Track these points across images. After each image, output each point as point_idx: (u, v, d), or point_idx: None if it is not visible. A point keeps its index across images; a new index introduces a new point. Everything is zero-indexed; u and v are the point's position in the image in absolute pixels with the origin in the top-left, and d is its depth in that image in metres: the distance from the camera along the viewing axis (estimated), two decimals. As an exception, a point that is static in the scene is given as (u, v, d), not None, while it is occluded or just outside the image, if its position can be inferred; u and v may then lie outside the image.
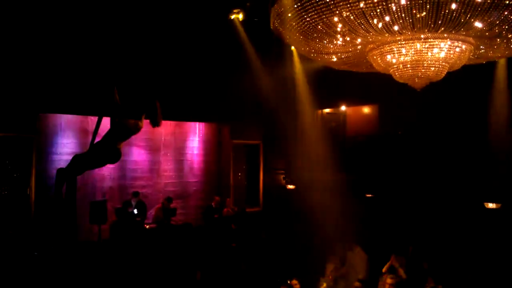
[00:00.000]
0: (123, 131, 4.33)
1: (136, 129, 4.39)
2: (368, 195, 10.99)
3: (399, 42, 5.73)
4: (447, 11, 4.82)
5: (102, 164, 4.61)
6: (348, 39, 5.79)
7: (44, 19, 8.35)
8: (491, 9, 4.77)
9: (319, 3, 5.03)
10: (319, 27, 5.45)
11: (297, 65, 10.58)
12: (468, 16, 4.87)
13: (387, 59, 6.05)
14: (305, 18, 5.36)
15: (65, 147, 10.14)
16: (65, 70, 9.19)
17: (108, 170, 10.63)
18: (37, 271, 7.94)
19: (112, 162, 4.41)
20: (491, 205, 8.82)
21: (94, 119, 9.94)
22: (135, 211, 10.09)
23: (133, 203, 10.15)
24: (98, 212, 9.31)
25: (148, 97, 4.33)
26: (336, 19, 5.19)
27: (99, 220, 9.30)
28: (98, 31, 8.79)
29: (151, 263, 8.65)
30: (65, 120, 10.21)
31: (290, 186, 12.68)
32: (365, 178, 11.14)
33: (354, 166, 11.49)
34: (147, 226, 10.22)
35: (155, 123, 4.48)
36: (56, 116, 10.09)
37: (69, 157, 10.10)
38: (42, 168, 9.78)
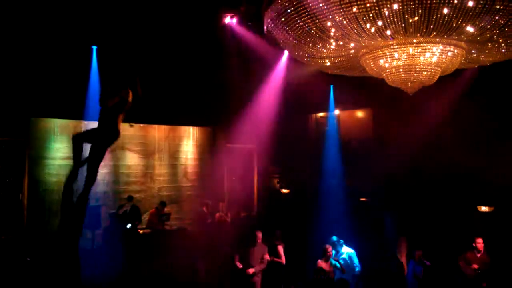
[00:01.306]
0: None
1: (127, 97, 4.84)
2: (362, 199, 11.03)
3: (392, 47, 5.77)
4: (439, 15, 4.86)
5: (103, 143, 4.77)
6: (341, 43, 5.82)
7: (35, 22, 8.32)
8: (482, 14, 4.82)
9: (312, 7, 5.06)
10: (313, 31, 5.47)
11: (291, 69, 10.61)
12: (460, 20, 4.92)
13: (380, 64, 6.08)
14: (299, 23, 5.38)
15: (58, 152, 10.10)
16: (58, 74, 9.15)
17: (101, 175, 10.58)
18: (30, 277, 7.88)
19: (111, 140, 4.61)
20: (484, 209, 8.88)
21: (88, 124, 9.97)
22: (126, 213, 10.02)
23: (127, 207, 10.10)
24: (92, 217, 9.26)
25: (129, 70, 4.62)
26: (329, 23, 5.21)
27: (93, 226, 9.27)
28: (92, 34, 8.78)
29: (145, 268, 8.62)
30: (58, 124, 10.16)
31: (285, 190, 12.69)
32: (360, 182, 11.17)
33: (348, 170, 11.53)
34: (141, 231, 10.17)
35: (137, 93, 4.80)
36: (49, 120, 10.04)
37: (62, 162, 10.19)
38: (35, 173, 9.72)
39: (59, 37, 8.70)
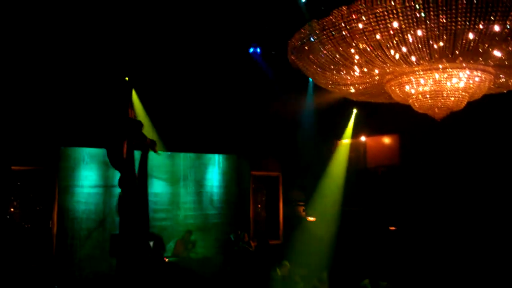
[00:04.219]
0: None
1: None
2: (391, 228, 10.76)
3: (417, 73, 5.72)
4: (464, 41, 4.80)
5: None
6: (365, 70, 5.81)
7: (64, 53, 8.62)
8: (509, 38, 4.74)
9: (335, 35, 5.09)
10: (336, 59, 5.49)
11: (316, 96, 10.63)
12: (486, 45, 4.85)
13: (406, 90, 6.03)
14: (322, 51, 5.42)
15: (87, 180, 10.27)
16: (87, 103, 9.41)
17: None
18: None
19: None
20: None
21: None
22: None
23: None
24: (119, 245, 9.29)
25: None
26: (352, 51, 5.23)
27: (120, 253, 9.28)
28: (118, 64, 9.02)
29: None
30: (88, 153, 10.37)
31: (311, 218, 12.51)
32: (387, 210, 10.93)
33: (375, 198, 11.32)
34: (167, 259, 10.15)
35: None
36: (78, 149, 10.27)
37: (91, 190, 10.33)
38: (64, 201, 9.90)
39: (89, 68, 8.98)
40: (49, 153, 9.74)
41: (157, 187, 11.36)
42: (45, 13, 7.63)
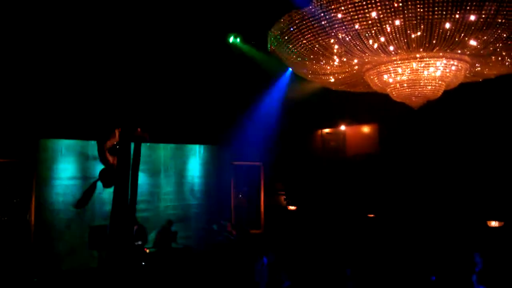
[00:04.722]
0: None
1: None
2: (370, 215, 10.93)
3: (395, 62, 5.79)
4: (441, 30, 4.88)
5: None
6: (344, 60, 5.85)
7: (44, 44, 8.43)
8: (484, 28, 4.83)
9: (315, 25, 5.11)
10: (316, 49, 5.52)
11: (296, 86, 10.66)
12: (462, 35, 4.94)
13: (384, 79, 6.10)
14: (302, 41, 5.43)
15: (65, 172, 10.14)
16: (65, 95, 9.24)
17: (108, 194, 10.58)
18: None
19: None
20: (493, 223, 8.75)
21: (95, 143, 10.01)
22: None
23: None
24: (98, 237, 9.24)
25: None
26: (332, 40, 5.26)
27: (99, 245, 9.23)
28: (98, 56, 8.88)
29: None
30: (66, 145, 10.22)
31: (292, 207, 12.61)
32: (366, 198, 11.09)
33: (354, 186, 11.47)
34: (147, 250, 10.13)
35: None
36: (55, 141, 10.11)
37: (69, 182, 10.18)
38: (42, 193, 9.76)
39: (67, 59, 8.81)
40: (28, 145, 9.57)
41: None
42: (22, 4, 7.44)
